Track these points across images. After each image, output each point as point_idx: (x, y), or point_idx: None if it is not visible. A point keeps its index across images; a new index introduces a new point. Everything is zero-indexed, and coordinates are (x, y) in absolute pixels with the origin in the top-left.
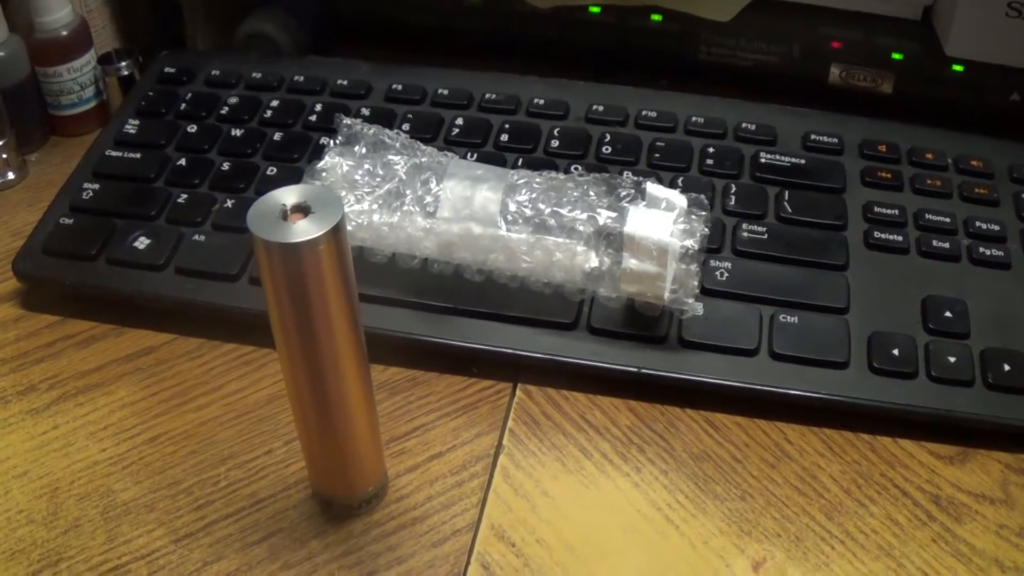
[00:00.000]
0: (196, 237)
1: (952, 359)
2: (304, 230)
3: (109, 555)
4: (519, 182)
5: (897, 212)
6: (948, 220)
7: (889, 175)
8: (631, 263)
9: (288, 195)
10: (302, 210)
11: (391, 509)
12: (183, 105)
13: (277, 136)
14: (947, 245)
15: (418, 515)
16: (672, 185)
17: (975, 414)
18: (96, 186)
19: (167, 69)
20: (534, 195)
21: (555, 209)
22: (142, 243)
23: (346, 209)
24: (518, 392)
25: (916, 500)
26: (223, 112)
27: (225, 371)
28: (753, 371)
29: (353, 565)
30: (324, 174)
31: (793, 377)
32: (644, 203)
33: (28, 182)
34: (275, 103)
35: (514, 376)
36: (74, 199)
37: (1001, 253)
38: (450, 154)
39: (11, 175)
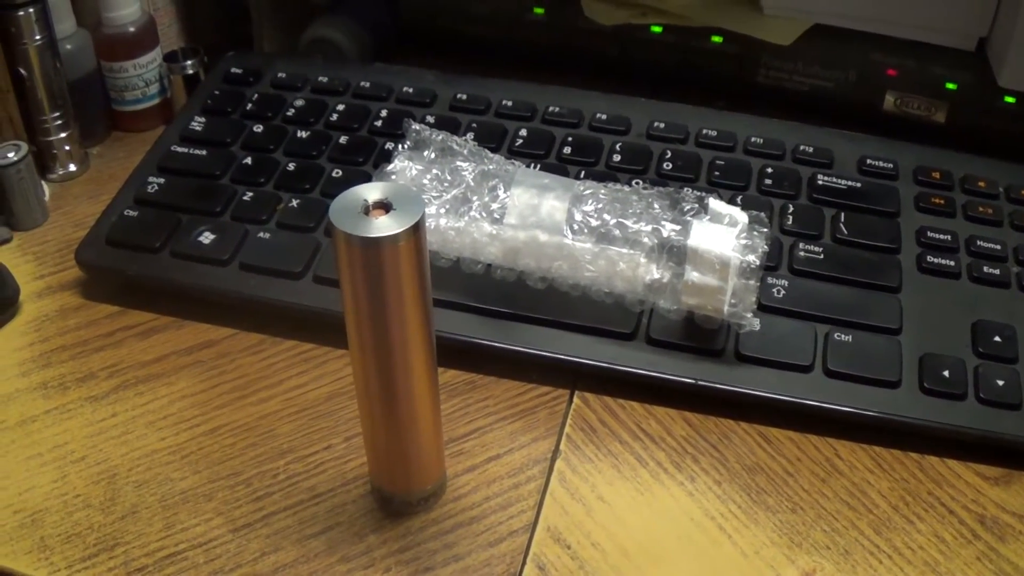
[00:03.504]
0: (261, 234)
1: (1000, 383)
2: (385, 226)
3: (166, 542)
4: (585, 192)
5: (949, 238)
6: (999, 247)
7: (942, 201)
8: (693, 276)
9: (371, 191)
10: (384, 206)
11: (449, 508)
12: (249, 105)
13: (343, 139)
14: (997, 271)
15: (475, 515)
16: (731, 203)
17: (1021, 436)
18: (161, 180)
19: (233, 69)
20: (600, 206)
21: (620, 220)
22: (207, 238)
23: None
24: (575, 399)
25: (962, 519)
26: (289, 114)
27: (286, 367)
28: (807, 387)
29: (410, 561)
30: (393, 177)
31: (846, 394)
32: (707, 218)
33: (90, 175)
34: (341, 107)
35: (572, 383)
36: (139, 192)
37: None
38: (517, 163)
39: (73, 167)
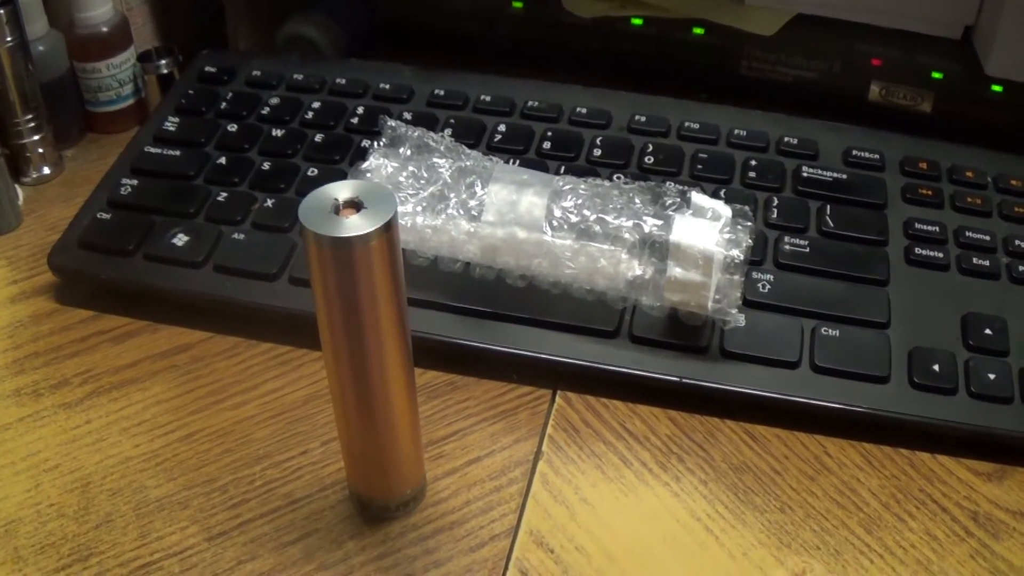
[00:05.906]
0: (235, 235)
1: (991, 376)
2: (356, 225)
3: (141, 551)
4: (565, 188)
5: (937, 229)
6: (988, 238)
7: (930, 192)
8: (676, 271)
9: (341, 190)
10: (354, 205)
11: (429, 512)
12: (223, 104)
13: (318, 137)
14: (987, 263)
15: (456, 519)
16: (714, 197)
17: (1014, 431)
18: (134, 182)
19: (208, 68)
20: (579, 201)
21: (600, 216)
22: (180, 240)
23: None
24: (558, 399)
25: (954, 516)
26: (264, 112)
27: (262, 370)
28: (794, 383)
29: (389, 568)
30: (369, 175)
31: (834, 390)
32: (690, 212)
33: (64, 178)
34: (316, 105)
35: (554, 383)
36: (112, 194)
37: None
38: (495, 158)
39: (47, 170)
